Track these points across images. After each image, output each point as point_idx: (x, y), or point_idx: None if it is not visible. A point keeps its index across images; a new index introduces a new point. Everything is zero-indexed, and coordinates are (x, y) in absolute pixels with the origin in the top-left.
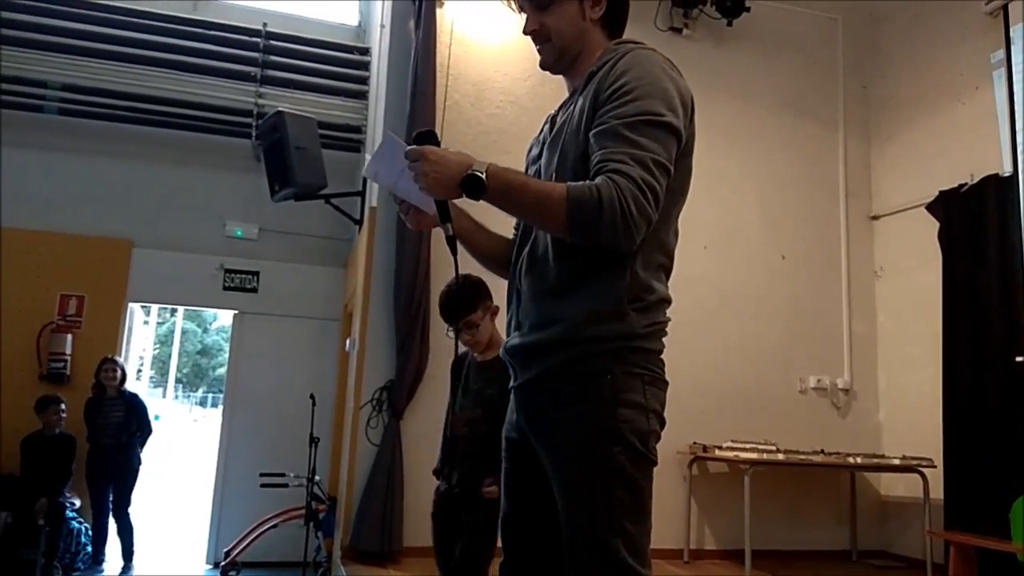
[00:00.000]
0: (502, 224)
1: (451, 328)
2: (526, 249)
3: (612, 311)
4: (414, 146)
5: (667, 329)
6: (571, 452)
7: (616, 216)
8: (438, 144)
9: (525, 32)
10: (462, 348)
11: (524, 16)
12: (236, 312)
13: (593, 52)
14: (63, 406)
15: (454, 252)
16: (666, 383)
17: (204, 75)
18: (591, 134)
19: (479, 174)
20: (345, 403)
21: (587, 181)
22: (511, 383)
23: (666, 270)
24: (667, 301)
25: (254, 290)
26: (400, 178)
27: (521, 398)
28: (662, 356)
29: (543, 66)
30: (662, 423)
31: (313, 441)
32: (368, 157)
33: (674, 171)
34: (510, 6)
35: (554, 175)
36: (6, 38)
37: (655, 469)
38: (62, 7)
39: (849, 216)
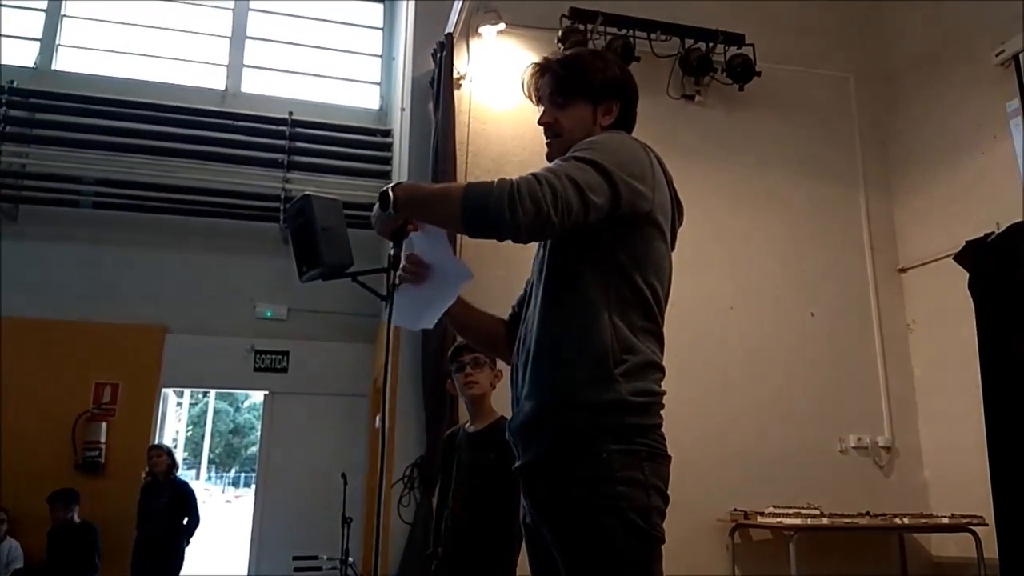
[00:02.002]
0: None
1: (455, 364)
2: (522, 324)
3: (598, 375)
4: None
5: (664, 402)
6: (572, 535)
7: (503, 199)
8: None
9: (540, 123)
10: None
11: (541, 108)
12: (267, 392)
13: None
14: (71, 503)
15: (393, 267)
16: (668, 458)
17: (233, 164)
18: None
19: (388, 189)
20: (377, 480)
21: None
22: (515, 464)
23: (654, 335)
24: (657, 367)
25: (284, 370)
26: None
27: (523, 482)
28: (661, 430)
29: (549, 160)
30: (665, 499)
31: (346, 521)
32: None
33: (632, 235)
34: (530, 98)
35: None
36: (42, 138)
37: (694, 540)
38: (95, 106)
39: (876, 270)
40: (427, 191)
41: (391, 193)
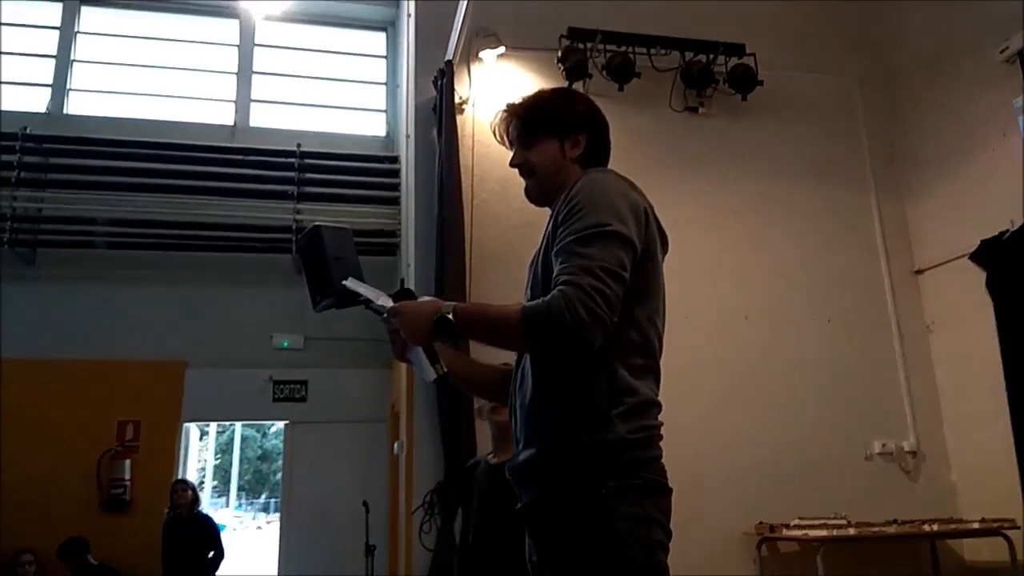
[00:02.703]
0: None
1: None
2: (518, 366)
3: (593, 417)
4: (392, 305)
5: (663, 432)
6: (575, 572)
7: (565, 323)
8: (414, 298)
9: (511, 165)
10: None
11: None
12: (287, 422)
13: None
14: (82, 550)
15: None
16: (669, 490)
17: (244, 198)
18: (552, 254)
19: (447, 316)
20: (398, 507)
21: (543, 297)
22: (518, 504)
23: (651, 372)
24: (655, 404)
25: (303, 399)
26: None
27: (526, 521)
28: (661, 462)
29: (528, 198)
30: (667, 533)
31: (369, 550)
32: (404, 262)
33: (637, 274)
34: (502, 142)
35: (528, 294)
36: (56, 182)
37: (721, 554)
38: (107, 148)
39: (892, 273)
40: (484, 316)
41: (450, 316)
